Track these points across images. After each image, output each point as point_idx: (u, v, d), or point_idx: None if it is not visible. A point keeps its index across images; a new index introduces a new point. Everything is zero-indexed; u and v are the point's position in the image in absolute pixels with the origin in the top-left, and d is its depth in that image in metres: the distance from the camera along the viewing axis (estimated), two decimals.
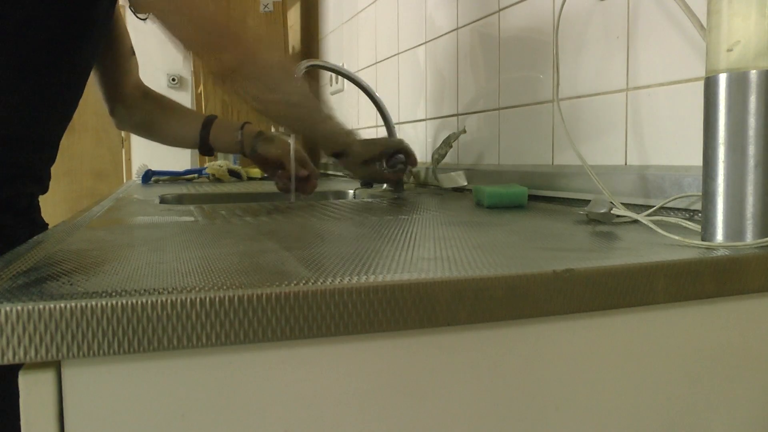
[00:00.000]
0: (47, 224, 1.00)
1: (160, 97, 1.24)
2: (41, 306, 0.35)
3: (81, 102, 1.01)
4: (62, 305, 0.35)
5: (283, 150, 1.11)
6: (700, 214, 0.64)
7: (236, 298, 0.38)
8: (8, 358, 0.35)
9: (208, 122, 1.16)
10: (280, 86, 0.95)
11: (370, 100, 1.44)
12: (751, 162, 0.53)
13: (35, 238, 0.62)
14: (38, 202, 1.00)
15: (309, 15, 2.73)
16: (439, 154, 1.29)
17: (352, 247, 0.55)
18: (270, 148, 1.12)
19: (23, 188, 0.92)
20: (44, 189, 0.98)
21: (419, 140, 1.56)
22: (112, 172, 3.43)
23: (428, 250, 0.52)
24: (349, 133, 1.08)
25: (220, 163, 1.86)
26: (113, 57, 1.14)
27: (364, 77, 1.93)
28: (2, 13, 0.84)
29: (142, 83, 1.23)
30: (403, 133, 1.65)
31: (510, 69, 1.14)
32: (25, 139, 0.90)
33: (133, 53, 1.22)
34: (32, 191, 0.95)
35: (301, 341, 0.41)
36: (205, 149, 1.17)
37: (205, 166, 1.94)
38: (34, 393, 0.37)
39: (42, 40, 0.87)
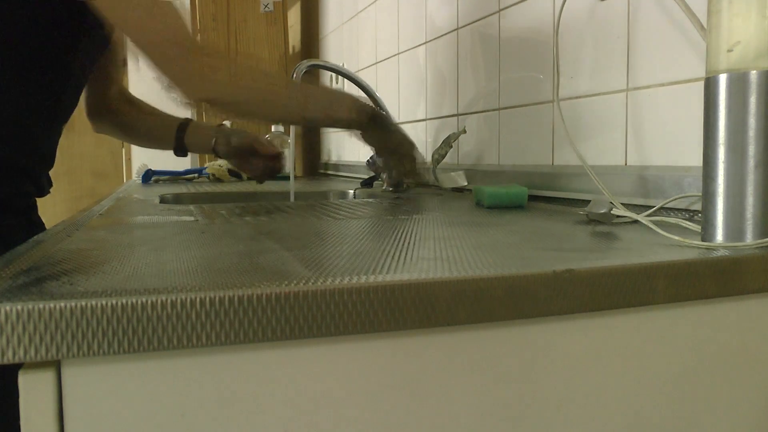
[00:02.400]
0: (44, 223, 1.00)
1: (141, 102, 1.27)
2: (41, 306, 0.35)
3: (81, 102, 1.01)
4: (62, 305, 0.35)
5: (250, 136, 1.19)
6: (700, 215, 0.64)
7: (236, 298, 0.38)
8: (8, 358, 0.35)
9: (184, 125, 1.21)
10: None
11: (370, 101, 1.44)
12: (751, 162, 0.53)
13: (35, 237, 0.62)
14: (35, 201, 1.00)
15: (309, 15, 2.73)
16: (439, 154, 1.29)
17: (352, 247, 0.55)
18: (240, 138, 1.19)
19: (22, 188, 0.92)
20: (42, 192, 0.99)
21: (419, 140, 1.56)
22: (112, 172, 3.42)
23: (428, 250, 0.52)
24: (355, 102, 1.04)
25: (220, 163, 1.86)
26: (104, 64, 1.14)
27: (365, 77, 1.93)
28: None
29: (126, 90, 1.25)
30: None
31: (510, 69, 1.14)
32: (20, 140, 0.90)
33: (125, 64, 1.23)
34: (30, 192, 0.95)
35: (301, 341, 0.41)
36: (180, 151, 1.21)
37: (205, 166, 1.94)
38: (34, 393, 0.37)
39: (34, 45, 0.87)
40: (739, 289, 0.50)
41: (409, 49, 1.62)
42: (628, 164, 0.86)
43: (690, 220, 0.69)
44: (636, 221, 0.69)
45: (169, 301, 0.37)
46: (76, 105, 1.01)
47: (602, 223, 0.70)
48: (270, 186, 1.49)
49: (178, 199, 1.33)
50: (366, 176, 1.65)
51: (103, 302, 0.36)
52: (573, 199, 0.94)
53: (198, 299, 0.37)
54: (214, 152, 1.20)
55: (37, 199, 1.00)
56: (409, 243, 0.57)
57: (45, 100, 0.93)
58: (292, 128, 1.41)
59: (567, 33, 0.97)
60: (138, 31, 0.86)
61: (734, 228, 0.54)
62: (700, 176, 0.57)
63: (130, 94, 1.25)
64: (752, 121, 0.52)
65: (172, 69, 0.87)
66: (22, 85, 0.89)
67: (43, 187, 0.99)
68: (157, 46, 0.86)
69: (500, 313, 0.43)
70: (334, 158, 2.38)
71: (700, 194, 0.58)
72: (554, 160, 1.02)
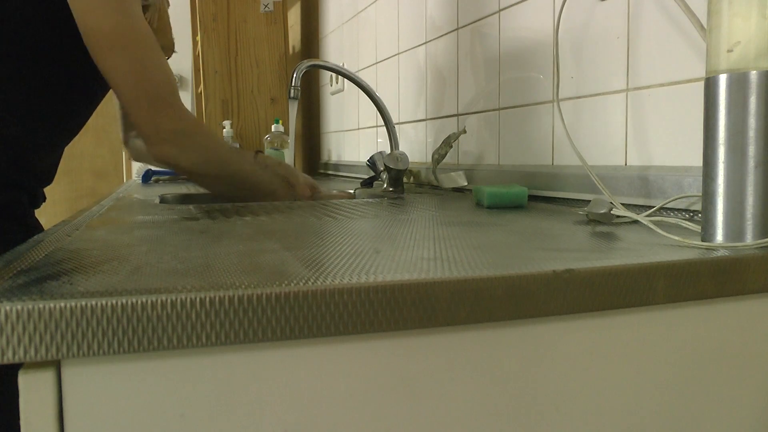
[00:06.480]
0: (41, 225, 1.00)
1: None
2: (41, 306, 0.35)
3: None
4: (62, 305, 0.35)
5: (285, 169, 1.13)
6: (700, 215, 0.64)
7: (236, 298, 0.38)
8: (8, 358, 0.35)
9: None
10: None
11: (370, 100, 1.44)
12: (751, 162, 0.53)
13: (35, 237, 0.62)
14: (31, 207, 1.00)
15: (309, 15, 2.74)
16: (439, 154, 1.29)
17: (352, 247, 0.55)
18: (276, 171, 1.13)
19: (18, 198, 0.93)
20: (36, 204, 0.99)
21: (419, 140, 1.56)
22: (112, 171, 3.42)
23: (428, 250, 0.52)
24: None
25: None
26: None
27: (365, 77, 1.93)
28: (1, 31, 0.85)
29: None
30: (403, 133, 1.65)
31: (510, 69, 1.14)
32: (18, 156, 0.91)
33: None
34: (24, 201, 0.96)
35: (301, 341, 0.41)
36: None
37: None
38: (34, 393, 0.37)
39: (39, 69, 0.88)
40: (738, 290, 0.50)
41: (409, 49, 1.62)
42: (628, 164, 0.86)
43: (690, 220, 0.69)
44: (636, 221, 0.69)
45: (169, 301, 0.37)
46: (82, 125, 1.01)
47: (602, 223, 0.70)
48: None
49: (178, 199, 1.33)
50: (366, 176, 1.65)
51: (103, 302, 0.36)
52: (573, 199, 0.94)
53: (198, 299, 0.37)
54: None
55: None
56: (409, 243, 0.57)
57: (48, 121, 0.93)
58: (291, 128, 1.41)
59: (567, 33, 0.97)
60: (127, 81, 0.86)
61: (734, 228, 0.54)
62: (700, 176, 0.57)
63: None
64: (752, 121, 0.53)
65: (146, 125, 0.88)
66: (24, 106, 0.89)
67: (38, 200, 0.99)
68: (141, 100, 0.86)
69: (500, 313, 0.43)
70: (334, 158, 2.38)
71: (700, 194, 0.58)
72: (554, 160, 1.02)
